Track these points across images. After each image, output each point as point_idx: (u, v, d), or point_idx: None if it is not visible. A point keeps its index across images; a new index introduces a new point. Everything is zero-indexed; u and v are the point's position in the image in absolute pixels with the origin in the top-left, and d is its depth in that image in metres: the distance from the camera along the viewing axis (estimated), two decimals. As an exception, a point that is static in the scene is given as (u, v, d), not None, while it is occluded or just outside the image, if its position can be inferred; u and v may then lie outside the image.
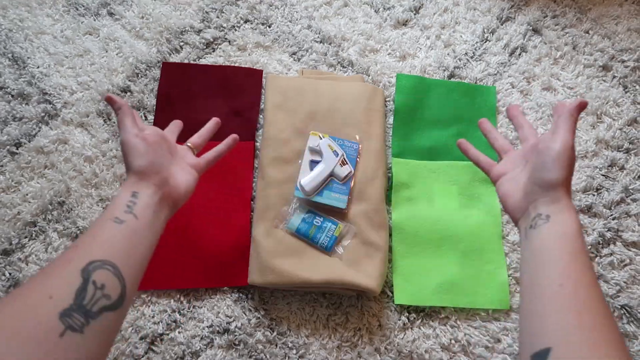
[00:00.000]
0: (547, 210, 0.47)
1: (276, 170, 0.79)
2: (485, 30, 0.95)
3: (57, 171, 0.81)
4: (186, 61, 0.90)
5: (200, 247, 0.77)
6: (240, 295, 0.75)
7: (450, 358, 0.72)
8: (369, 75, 0.90)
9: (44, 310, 0.36)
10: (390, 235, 0.79)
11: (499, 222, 0.80)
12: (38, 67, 0.88)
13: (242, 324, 0.73)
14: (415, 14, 0.96)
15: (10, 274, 0.75)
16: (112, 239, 0.44)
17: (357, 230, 0.76)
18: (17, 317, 0.35)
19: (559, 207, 0.47)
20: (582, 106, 0.51)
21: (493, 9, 0.97)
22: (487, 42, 0.94)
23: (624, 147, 0.86)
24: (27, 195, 0.79)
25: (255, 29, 0.93)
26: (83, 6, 0.93)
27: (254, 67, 0.90)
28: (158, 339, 0.72)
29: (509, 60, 0.92)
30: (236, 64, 0.90)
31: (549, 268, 0.43)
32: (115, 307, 0.40)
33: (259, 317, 0.74)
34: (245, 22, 0.94)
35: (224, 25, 0.93)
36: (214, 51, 0.91)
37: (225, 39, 0.92)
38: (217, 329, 0.73)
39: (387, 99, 0.89)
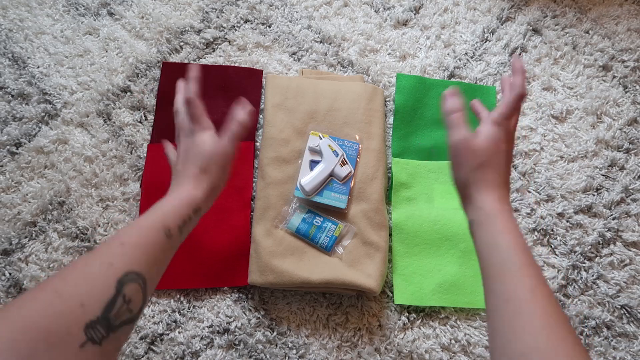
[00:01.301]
0: (470, 215, 0.49)
1: (276, 170, 0.79)
2: (485, 30, 0.95)
3: (57, 171, 0.81)
4: (186, 61, 0.90)
5: (200, 247, 0.77)
6: (240, 295, 0.75)
7: (450, 358, 0.72)
8: (369, 75, 0.90)
9: (73, 318, 0.35)
10: (390, 235, 0.79)
11: (499, 222, 0.80)
12: (38, 67, 0.88)
13: (242, 324, 0.73)
14: (415, 14, 0.96)
15: (10, 274, 0.75)
16: (154, 252, 0.44)
17: (357, 230, 0.76)
18: (49, 318, 0.34)
19: (473, 210, 0.49)
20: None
21: (493, 9, 0.97)
22: (487, 42, 0.94)
23: (624, 147, 0.86)
24: (27, 195, 0.79)
25: (255, 29, 0.93)
26: (83, 6, 0.93)
27: (254, 67, 0.90)
28: (158, 339, 0.72)
29: (509, 60, 0.92)
30: (236, 64, 0.90)
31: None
32: (132, 321, 0.40)
33: (259, 317, 0.74)
34: (245, 22, 0.94)
35: (224, 25, 0.93)
36: (214, 51, 0.91)
37: (225, 39, 0.92)
38: (217, 329, 0.73)
39: (387, 99, 0.89)
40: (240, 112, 0.59)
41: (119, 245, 0.42)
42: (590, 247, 0.79)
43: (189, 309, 0.74)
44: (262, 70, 0.89)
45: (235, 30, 0.93)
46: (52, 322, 0.34)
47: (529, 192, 0.83)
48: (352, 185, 0.78)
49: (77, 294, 0.36)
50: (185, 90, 0.59)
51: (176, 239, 0.47)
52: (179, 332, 0.72)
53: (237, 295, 0.75)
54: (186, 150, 0.56)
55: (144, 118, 0.86)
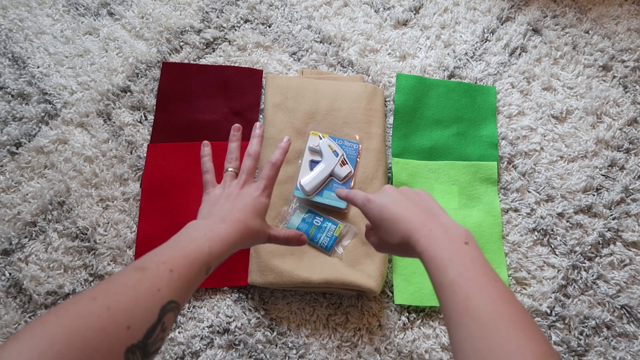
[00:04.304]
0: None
1: (276, 170, 0.79)
2: (485, 30, 0.95)
3: (57, 171, 0.81)
4: (186, 61, 0.90)
5: (200, 247, 0.77)
6: (240, 295, 0.75)
7: (450, 358, 0.72)
8: (369, 75, 0.90)
9: (118, 339, 0.35)
10: (390, 235, 0.79)
11: (499, 222, 0.80)
12: (38, 67, 0.88)
13: (242, 324, 0.73)
14: (415, 14, 0.96)
15: (10, 274, 0.75)
16: (193, 286, 0.45)
17: (357, 230, 0.76)
18: (96, 333, 0.34)
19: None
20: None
21: (493, 9, 0.97)
22: (487, 42, 0.94)
23: (624, 147, 0.86)
24: (27, 195, 0.79)
25: (255, 29, 0.93)
26: (83, 6, 0.93)
27: (254, 67, 0.90)
28: (158, 339, 0.72)
29: (509, 60, 0.92)
30: (236, 64, 0.90)
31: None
32: (160, 349, 0.40)
33: (259, 317, 0.74)
34: (245, 22, 0.94)
35: (224, 25, 0.93)
36: (214, 51, 0.91)
37: (225, 39, 0.92)
38: (217, 329, 0.73)
39: (387, 99, 0.89)
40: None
41: (169, 272, 0.42)
42: (590, 247, 0.79)
43: (189, 309, 0.74)
44: (262, 70, 0.89)
45: (235, 30, 0.93)
46: (99, 339, 0.34)
47: (529, 192, 0.83)
48: (352, 185, 0.78)
49: (125, 315, 0.36)
50: (277, 154, 0.60)
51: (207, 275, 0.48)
52: (179, 332, 0.72)
53: (237, 295, 0.75)
54: (236, 194, 0.57)
55: (144, 118, 0.86)
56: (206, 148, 0.62)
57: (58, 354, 0.31)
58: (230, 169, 0.60)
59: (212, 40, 0.92)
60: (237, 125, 0.63)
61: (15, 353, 0.30)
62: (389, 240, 0.50)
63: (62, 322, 0.33)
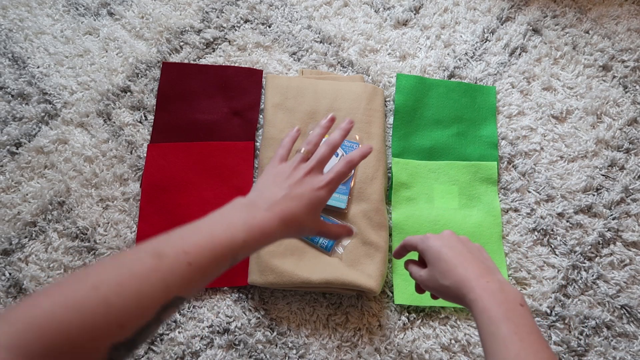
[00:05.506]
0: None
1: (276, 170, 0.79)
2: (485, 30, 0.95)
3: (57, 171, 0.81)
4: (186, 61, 0.90)
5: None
6: (240, 295, 0.75)
7: (450, 358, 0.72)
8: (369, 75, 0.90)
9: (106, 337, 0.33)
10: (390, 235, 0.79)
11: (499, 222, 0.80)
12: (38, 67, 0.88)
13: (242, 324, 0.73)
14: (415, 14, 0.96)
15: (10, 274, 0.75)
16: (210, 279, 0.41)
17: (357, 230, 0.76)
18: (85, 330, 0.32)
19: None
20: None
21: (493, 9, 0.97)
22: (487, 42, 0.94)
23: (624, 147, 0.86)
24: (27, 195, 0.79)
25: (255, 29, 0.93)
26: (83, 6, 0.93)
27: (254, 67, 0.90)
28: (158, 339, 0.72)
29: (509, 60, 0.92)
30: (236, 64, 0.90)
31: None
32: (148, 339, 0.38)
33: (259, 317, 0.74)
34: (245, 22, 0.94)
35: (224, 25, 0.93)
36: (214, 51, 0.91)
37: (225, 39, 0.92)
38: (217, 329, 0.73)
39: (387, 99, 0.89)
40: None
41: (186, 265, 0.38)
42: (590, 247, 0.79)
43: (189, 309, 0.74)
44: (262, 70, 0.89)
45: (235, 30, 0.93)
46: (87, 337, 0.32)
47: (529, 192, 0.83)
48: (352, 185, 0.78)
49: (122, 313, 0.34)
50: (336, 135, 0.56)
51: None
52: (179, 332, 0.72)
53: (237, 295, 0.75)
54: (298, 180, 0.52)
55: (144, 118, 0.86)
56: (293, 132, 0.59)
57: (42, 346, 0.30)
58: (303, 150, 0.55)
59: (212, 40, 0.92)
60: (332, 115, 0.59)
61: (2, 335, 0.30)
62: (440, 280, 0.52)
63: (54, 310, 0.32)
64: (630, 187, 0.83)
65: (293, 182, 0.51)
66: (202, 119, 0.86)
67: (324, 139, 0.56)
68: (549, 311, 0.75)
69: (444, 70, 0.91)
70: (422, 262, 0.58)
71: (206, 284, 0.41)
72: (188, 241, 0.40)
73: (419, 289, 0.61)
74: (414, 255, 0.60)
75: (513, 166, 0.85)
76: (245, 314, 0.74)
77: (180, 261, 0.38)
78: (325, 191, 0.52)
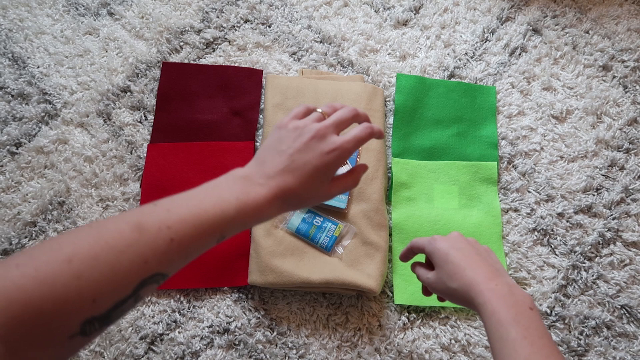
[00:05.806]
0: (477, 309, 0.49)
1: (276, 170, 0.79)
2: (485, 30, 0.95)
3: (57, 171, 0.81)
4: (186, 61, 0.90)
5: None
6: (240, 295, 0.75)
7: (450, 358, 0.72)
8: (369, 75, 0.90)
9: (78, 311, 0.32)
10: (390, 235, 0.79)
11: (499, 222, 0.80)
12: (38, 67, 0.88)
13: (242, 324, 0.73)
14: (415, 14, 0.96)
15: (10, 274, 0.75)
16: (195, 254, 0.39)
17: (357, 230, 0.76)
18: (55, 302, 0.31)
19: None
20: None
21: (493, 9, 0.97)
22: (487, 42, 0.94)
23: (624, 147, 0.86)
24: (27, 195, 0.79)
25: (255, 29, 0.93)
26: (83, 6, 0.93)
27: (254, 67, 0.90)
28: (158, 339, 0.72)
29: (509, 60, 0.92)
30: (236, 64, 0.90)
31: None
32: (125, 315, 0.36)
33: (259, 317, 0.74)
34: (245, 22, 0.94)
35: (224, 25, 0.93)
36: (214, 51, 0.91)
37: (225, 39, 0.92)
38: (217, 329, 0.73)
39: (387, 99, 0.89)
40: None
41: (168, 241, 0.36)
42: (590, 247, 0.79)
43: (189, 309, 0.74)
44: (262, 70, 0.89)
45: (235, 30, 0.93)
46: (58, 311, 0.31)
47: (529, 192, 0.83)
48: (352, 185, 0.78)
49: (96, 288, 0.32)
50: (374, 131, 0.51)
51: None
52: (179, 332, 0.72)
53: (237, 295, 0.75)
54: (305, 143, 0.46)
55: (144, 118, 0.86)
56: (320, 109, 0.51)
57: (12, 319, 0.29)
58: (320, 110, 0.50)
59: (212, 40, 0.92)
60: (365, 114, 0.53)
61: None
62: (448, 283, 0.51)
63: (25, 283, 0.30)
64: (630, 187, 0.83)
65: (298, 147, 0.45)
66: (202, 119, 0.86)
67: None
68: (549, 311, 0.75)
69: (444, 70, 0.91)
70: (429, 265, 0.57)
71: (190, 260, 0.39)
72: (173, 215, 0.37)
73: (426, 291, 0.60)
74: (420, 257, 0.60)
75: (513, 166, 0.85)
76: (245, 314, 0.74)
77: (162, 237, 0.36)
78: (334, 156, 0.46)
